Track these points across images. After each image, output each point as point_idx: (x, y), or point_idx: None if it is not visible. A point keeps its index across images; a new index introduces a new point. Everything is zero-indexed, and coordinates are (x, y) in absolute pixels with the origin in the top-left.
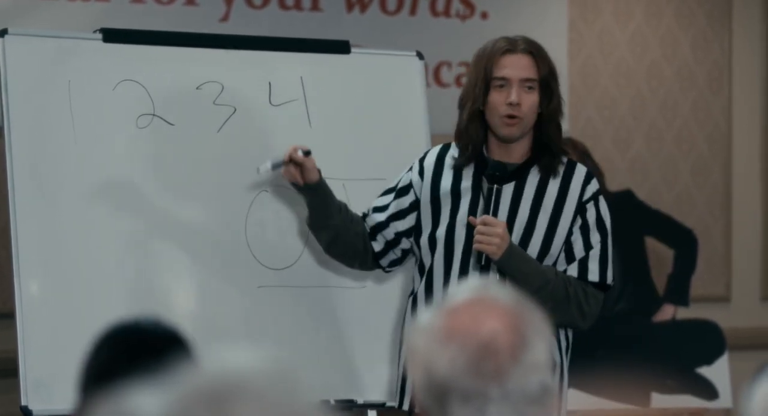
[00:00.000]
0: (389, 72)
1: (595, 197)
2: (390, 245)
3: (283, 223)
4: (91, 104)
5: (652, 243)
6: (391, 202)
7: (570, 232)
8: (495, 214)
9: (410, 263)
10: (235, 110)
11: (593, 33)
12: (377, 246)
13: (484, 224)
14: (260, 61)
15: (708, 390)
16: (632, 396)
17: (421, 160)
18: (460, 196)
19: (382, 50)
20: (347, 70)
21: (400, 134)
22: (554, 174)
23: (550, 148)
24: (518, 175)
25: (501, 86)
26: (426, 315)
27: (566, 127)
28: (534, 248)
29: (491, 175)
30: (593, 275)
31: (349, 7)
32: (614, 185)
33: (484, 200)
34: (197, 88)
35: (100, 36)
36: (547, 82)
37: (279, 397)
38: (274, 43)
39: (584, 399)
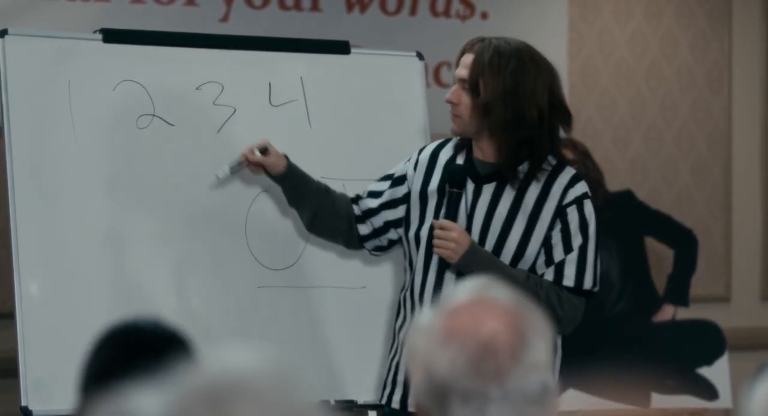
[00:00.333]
0: (389, 72)
1: (578, 201)
2: (378, 232)
3: (283, 224)
4: (91, 104)
5: (652, 244)
6: (386, 189)
7: (549, 236)
8: (454, 218)
9: (400, 254)
10: (235, 110)
11: (593, 33)
12: (365, 229)
13: (441, 228)
14: (260, 61)
15: (708, 391)
16: (632, 396)
17: (419, 153)
18: (444, 195)
19: (382, 50)
20: (347, 70)
21: (400, 134)
22: (533, 178)
23: (534, 151)
24: (500, 176)
25: None
26: (426, 315)
27: None
28: (509, 250)
29: (450, 179)
30: (568, 280)
31: (349, 7)
32: (614, 185)
33: (445, 204)
34: (197, 89)
35: (100, 36)
36: (474, 82)
37: (279, 397)
38: (274, 44)
39: (584, 399)
